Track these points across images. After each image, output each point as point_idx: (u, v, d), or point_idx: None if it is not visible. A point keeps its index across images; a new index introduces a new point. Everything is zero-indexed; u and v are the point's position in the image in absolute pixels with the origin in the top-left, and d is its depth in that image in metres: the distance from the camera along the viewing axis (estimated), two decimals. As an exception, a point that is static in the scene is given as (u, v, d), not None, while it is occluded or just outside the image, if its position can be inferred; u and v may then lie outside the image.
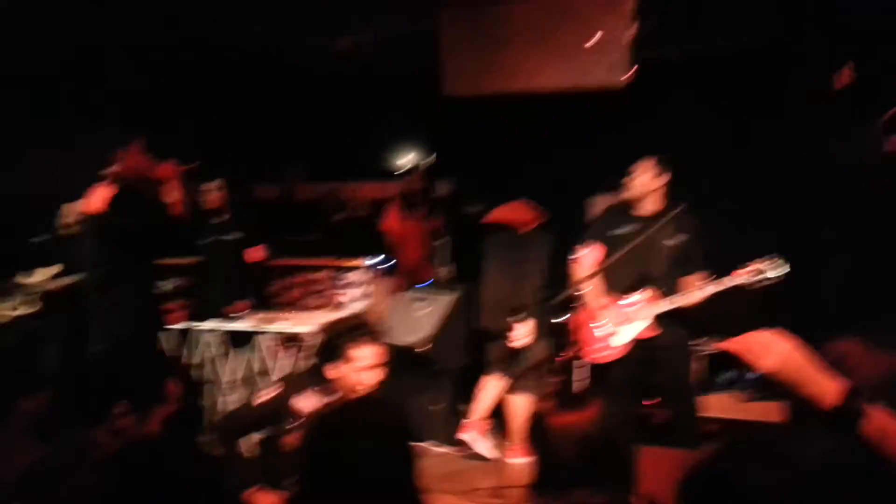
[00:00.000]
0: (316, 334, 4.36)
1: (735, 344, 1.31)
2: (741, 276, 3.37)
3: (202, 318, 4.38)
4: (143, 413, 2.03)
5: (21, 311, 4.37)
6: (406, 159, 6.77)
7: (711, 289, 3.43)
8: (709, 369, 4.40)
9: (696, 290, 3.46)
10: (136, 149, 3.52)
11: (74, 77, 5.60)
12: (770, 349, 1.24)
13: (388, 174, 6.74)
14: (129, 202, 3.43)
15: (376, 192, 6.63)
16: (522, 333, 4.12)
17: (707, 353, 4.38)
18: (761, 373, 1.25)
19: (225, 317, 4.40)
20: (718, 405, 4.26)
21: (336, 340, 2.76)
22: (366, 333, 2.79)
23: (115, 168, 3.39)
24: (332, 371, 2.72)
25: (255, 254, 4.94)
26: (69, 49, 5.29)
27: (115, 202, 3.44)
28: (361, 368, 2.68)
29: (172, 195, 3.50)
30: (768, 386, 1.26)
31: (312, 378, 2.83)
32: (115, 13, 4.85)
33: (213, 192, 4.88)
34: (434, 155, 6.43)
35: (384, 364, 2.76)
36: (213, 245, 4.81)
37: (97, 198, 3.42)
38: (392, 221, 5.85)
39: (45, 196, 4.55)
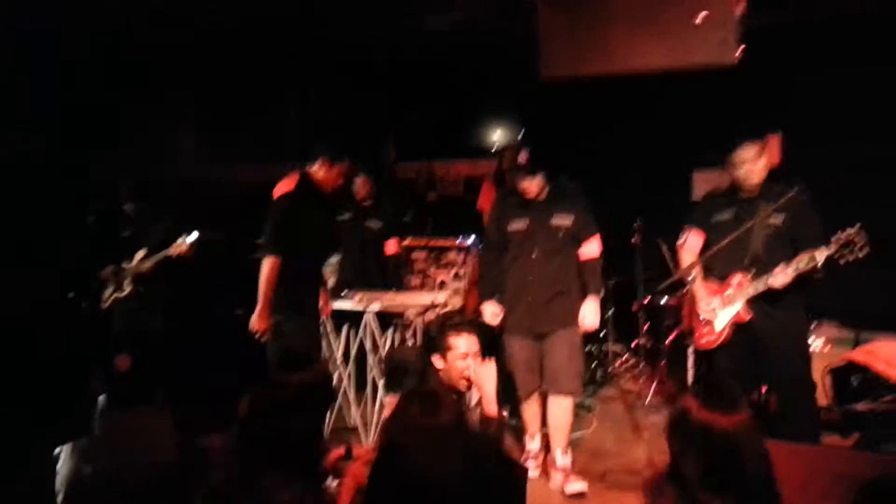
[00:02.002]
0: (419, 315, 4.45)
1: (862, 354, 1.26)
2: (828, 250, 3.18)
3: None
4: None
5: (116, 294, 4.73)
6: (499, 137, 6.72)
7: (792, 270, 3.25)
8: (839, 381, 4.11)
9: (779, 274, 3.28)
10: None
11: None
12: None
13: (482, 152, 6.72)
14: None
15: (469, 170, 6.64)
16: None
17: (836, 366, 4.12)
18: (892, 382, 1.19)
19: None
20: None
21: (436, 332, 2.89)
22: (462, 323, 2.92)
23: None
24: (437, 361, 2.86)
25: (392, 246, 5.07)
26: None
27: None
28: (460, 356, 2.82)
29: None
30: None
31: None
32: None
33: (362, 182, 4.99)
34: (523, 132, 6.34)
35: (478, 353, 2.86)
36: (352, 229, 4.97)
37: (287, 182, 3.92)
38: (488, 200, 5.82)
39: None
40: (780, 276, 3.29)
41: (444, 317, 3.08)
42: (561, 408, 3.80)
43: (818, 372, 3.94)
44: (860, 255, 3.13)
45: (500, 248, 3.93)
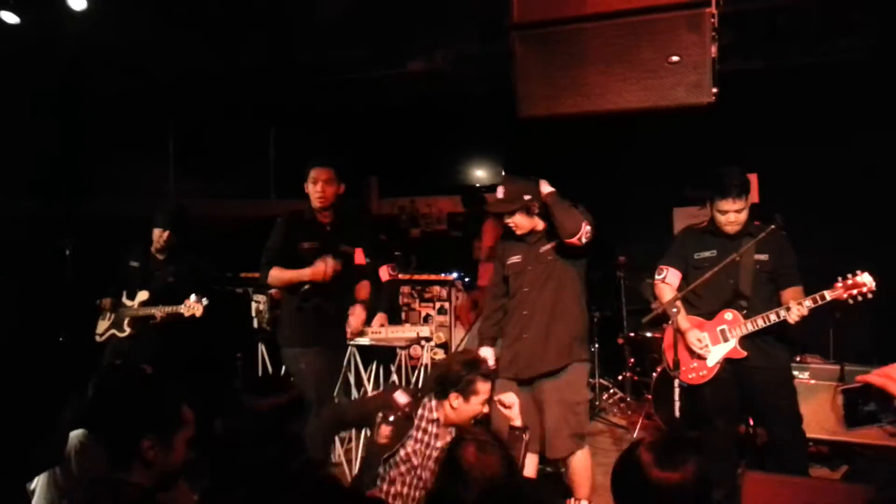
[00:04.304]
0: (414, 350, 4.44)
1: (877, 377, 1.27)
2: (837, 291, 3.27)
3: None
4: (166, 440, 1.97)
5: (114, 330, 4.63)
6: (486, 175, 6.78)
7: (808, 304, 3.32)
8: (851, 403, 4.17)
9: (794, 307, 3.34)
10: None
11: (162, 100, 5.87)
12: None
13: (464, 189, 6.77)
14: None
15: (452, 206, 6.67)
16: None
17: (849, 386, 4.18)
18: None
19: None
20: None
21: (465, 372, 2.90)
22: (490, 372, 3.04)
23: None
24: (455, 399, 2.89)
25: (385, 273, 5.02)
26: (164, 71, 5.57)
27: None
28: (482, 401, 2.91)
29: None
30: None
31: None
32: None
33: None
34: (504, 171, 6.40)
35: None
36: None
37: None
38: (491, 238, 5.66)
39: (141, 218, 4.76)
40: (795, 311, 3.32)
41: (466, 358, 3.04)
42: (575, 460, 3.55)
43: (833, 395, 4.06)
44: (869, 296, 3.23)
45: (502, 287, 3.76)
